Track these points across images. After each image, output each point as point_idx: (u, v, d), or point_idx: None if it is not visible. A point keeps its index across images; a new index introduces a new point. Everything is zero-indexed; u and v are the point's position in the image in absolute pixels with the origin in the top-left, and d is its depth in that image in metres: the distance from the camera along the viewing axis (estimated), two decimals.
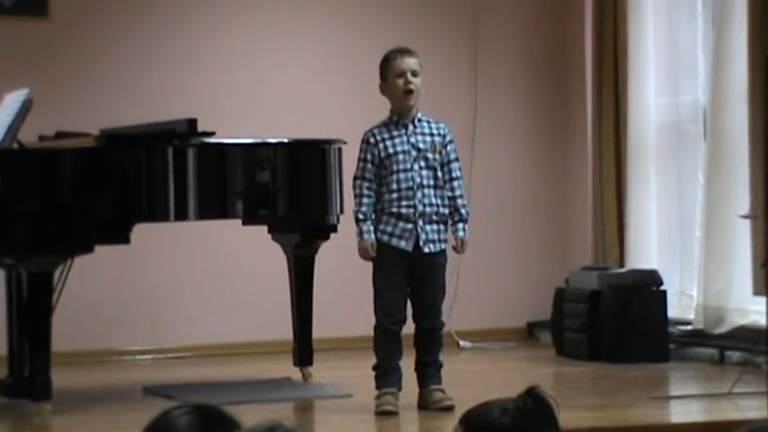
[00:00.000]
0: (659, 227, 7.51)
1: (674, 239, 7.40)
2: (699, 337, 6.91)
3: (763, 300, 5.40)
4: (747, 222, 6.44)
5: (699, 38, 7.15)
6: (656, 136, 7.51)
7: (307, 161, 6.14)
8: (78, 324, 7.22)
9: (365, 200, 5.36)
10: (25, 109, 5.77)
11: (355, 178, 5.42)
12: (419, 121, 5.46)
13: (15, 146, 5.74)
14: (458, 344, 7.74)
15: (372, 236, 5.34)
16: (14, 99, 5.92)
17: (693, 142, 7.21)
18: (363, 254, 5.37)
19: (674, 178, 7.42)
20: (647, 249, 7.47)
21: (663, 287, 7.04)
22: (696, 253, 7.01)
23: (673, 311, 7.06)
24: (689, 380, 6.47)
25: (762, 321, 5.62)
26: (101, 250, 5.69)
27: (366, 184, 5.38)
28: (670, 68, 7.45)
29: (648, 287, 7.04)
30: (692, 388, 6.28)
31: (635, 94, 7.50)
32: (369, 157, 5.40)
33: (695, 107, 7.18)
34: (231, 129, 6.61)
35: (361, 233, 5.36)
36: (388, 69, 5.44)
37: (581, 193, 8.03)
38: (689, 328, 6.98)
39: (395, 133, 5.42)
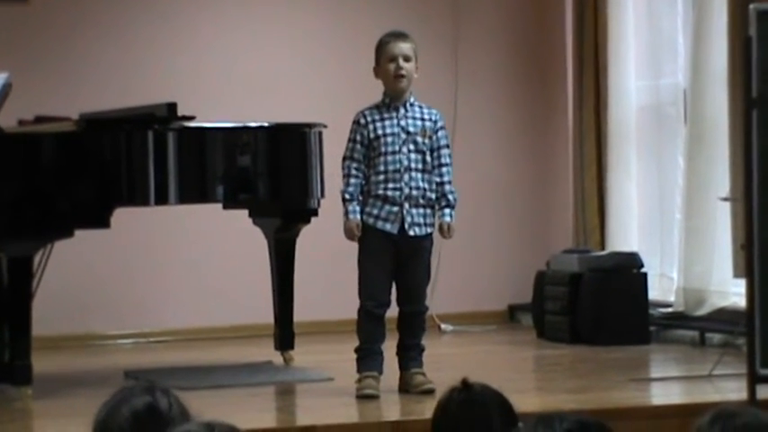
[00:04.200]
0: (640, 210, 7.52)
1: (654, 222, 7.42)
2: (679, 319, 6.93)
3: (743, 282, 5.42)
4: (727, 205, 6.45)
5: (679, 21, 7.16)
6: (636, 119, 7.51)
7: (287, 145, 6.13)
8: (59, 308, 7.20)
9: (353, 180, 5.37)
10: (4, 93, 5.75)
11: (344, 158, 5.42)
12: (411, 105, 5.47)
13: None
14: (439, 327, 7.74)
15: (358, 216, 5.34)
16: None
17: (674, 125, 7.23)
18: (348, 234, 5.38)
19: (655, 161, 7.43)
20: (628, 232, 7.49)
21: (643, 270, 7.06)
22: (676, 235, 7.03)
23: (653, 294, 7.08)
24: (669, 362, 6.49)
25: (742, 303, 5.65)
26: (82, 234, 5.67)
27: (354, 165, 5.38)
28: (650, 51, 7.46)
29: (629, 270, 7.06)
30: (672, 370, 6.30)
31: (615, 77, 7.50)
32: (358, 137, 5.40)
33: (675, 90, 7.19)
34: (211, 112, 6.59)
35: (347, 213, 5.36)
36: (382, 53, 5.46)
37: (562, 177, 8.04)
38: (669, 310, 7.00)
39: (385, 115, 5.42)
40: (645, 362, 6.52)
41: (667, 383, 5.88)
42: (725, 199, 6.40)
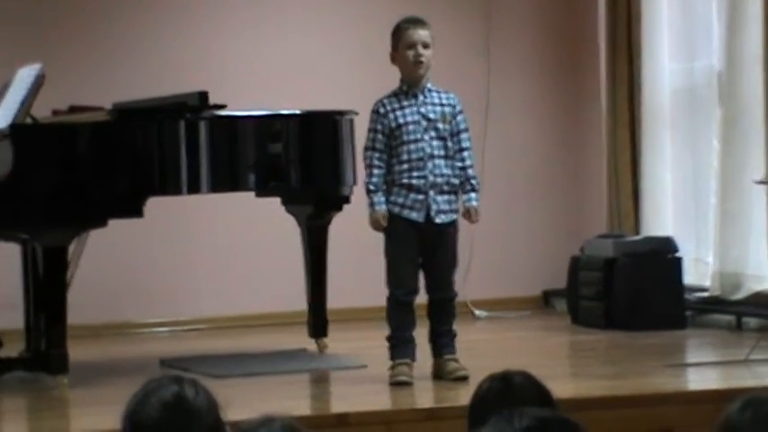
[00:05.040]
0: (674, 194, 7.48)
1: (689, 206, 7.38)
2: (715, 303, 6.90)
3: None
4: (763, 188, 6.41)
5: (713, 2, 7.10)
6: (670, 102, 7.47)
7: (319, 132, 6.13)
8: (95, 297, 7.24)
9: (376, 171, 5.35)
10: (38, 84, 5.77)
11: (366, 149, 5.40)
12: (429, 91, 5.43)
13: (29, 121, 5.75)
14: (473, 313, 7.73)
15: (384, 207, 5.33)
16: (27, 74, 5.93)
17: (708, 108, 7.18)
18: (375, 225, 5.36)
19: (689, 144, 7.39)
20: (663, 216, 7.45)
21: (678, 254, 7.02)
22: (711, 219, 6.98)
23: (689, 278, 7.04)
24: (705, 347, 6.45)
25: None
26: (116, 224, 5.69)
27: (377, 155, 5.37)
28: (684, 34, 7.41)
29: (664, 254, 7.02)
30: (708, 355, 6.26)
31: (649, 60, 7.46)
32: (379, 127, 5.38)
33: (710, 72, 7.13)
34: (242, 100, 6.60)
35: (372, 204, 5.34)
36: (400, 39, 5.42)
37: (596, 161, 8.01)
38: (705, 294, 6.97)
39: (405, 103, 5.40)
40: (680, 347, 6.49)
41: (703, 369, 5.84)
42: (760, 182, 6.35)
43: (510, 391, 2.68)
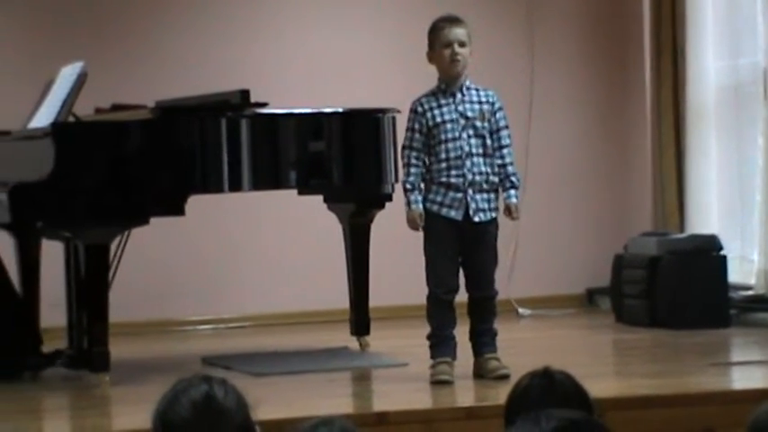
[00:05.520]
0: (719, 191, 7.42)
1: (734, 204, 7.32)
2: (760, 302, 6.84)
3: None
4: None
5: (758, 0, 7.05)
6: (715, 99, 7.42)
7: (361, 130, 6.12)
8: (137, 295, 7.26)
9: (413, 169, 5.34)
10: (80, 82, 5.81)
11: (403, 148, 5.39)
12: (467, 89, 5.41)
13: (71, 119, 5.78)
14: (517, 311, 7.71)
15: (420, 206, 5.31)
16: (70, 72, 5.96)
17: (753, 105, 7.12)
18: (411, 224, 5.35)
19: (734, 142, 7.33)
20: (707, 214, 7.40)
21: (723, 252, 6.97)
22: (757, 217, 6.93)
23: (733, 276, 6.99)
24: (750, 346, 6.39)
25: None
26: (160, 222, 5.70)
27: (414, 154, 5.35)
28: (729, 31, 7.35)
29: (708, 252, 6.97)
30: (753, 354, 6.20)
31: (693, 57, 7.41)
32: (417, 126, 5.37)
33: (755, 70, 7.08)
34: (284, 99, 6.60)
35: (409, 203, 5.33)
36: (436, 39, 5.41)
37: (640, 159, 7.96)
38: (750, 293, 6.91)
39: (443, 102, 5.38)
40: (724, 346, 6.43)
41: (748, 368, 5.78)
42: None
43: (552, 388, 2.65)
